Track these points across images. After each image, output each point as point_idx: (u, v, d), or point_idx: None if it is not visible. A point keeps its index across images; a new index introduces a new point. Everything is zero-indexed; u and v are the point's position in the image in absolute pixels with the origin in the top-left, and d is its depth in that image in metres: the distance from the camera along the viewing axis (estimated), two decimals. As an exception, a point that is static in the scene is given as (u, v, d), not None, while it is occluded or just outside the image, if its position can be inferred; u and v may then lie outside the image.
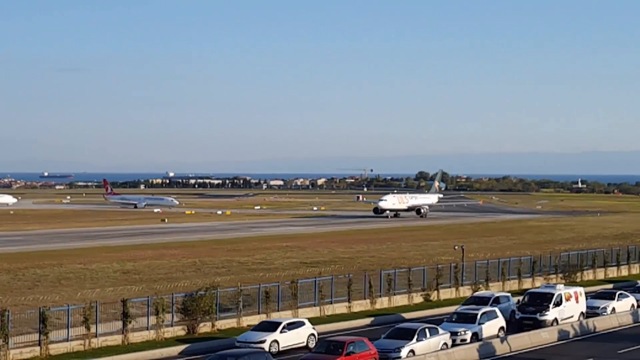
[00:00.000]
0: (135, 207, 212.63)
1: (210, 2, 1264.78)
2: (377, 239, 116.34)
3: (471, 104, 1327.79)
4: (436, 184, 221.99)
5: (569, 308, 51.86)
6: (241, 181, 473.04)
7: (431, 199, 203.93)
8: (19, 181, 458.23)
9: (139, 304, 48.57)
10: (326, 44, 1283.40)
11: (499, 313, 49.17)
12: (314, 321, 52.27)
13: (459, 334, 45.89)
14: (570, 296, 52.36)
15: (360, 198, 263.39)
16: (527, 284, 68.59)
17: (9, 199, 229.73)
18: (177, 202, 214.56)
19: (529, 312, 50.98)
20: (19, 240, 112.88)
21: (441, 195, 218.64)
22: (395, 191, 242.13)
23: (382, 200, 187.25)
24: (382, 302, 58.41)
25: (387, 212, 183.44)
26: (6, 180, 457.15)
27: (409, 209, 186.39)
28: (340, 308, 56.05)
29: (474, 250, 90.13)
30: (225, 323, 50.17)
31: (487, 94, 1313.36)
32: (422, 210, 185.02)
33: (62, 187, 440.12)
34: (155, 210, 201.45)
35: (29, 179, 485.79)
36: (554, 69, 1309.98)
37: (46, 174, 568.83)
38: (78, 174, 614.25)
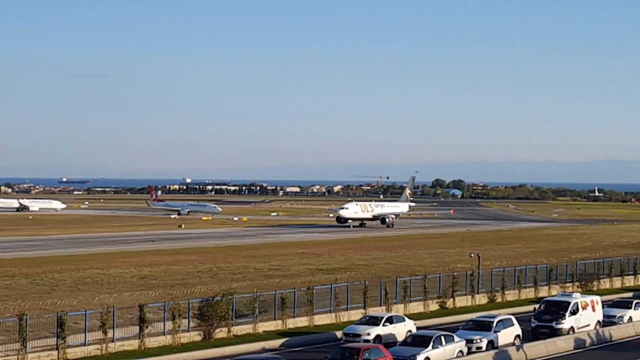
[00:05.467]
0: (179, 213, 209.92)
1: (228, 7, 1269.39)
2: (393, 246, 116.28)
3: (487, 112, 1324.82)
4: (407, 191, 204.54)
5: (585, 317, 51.69)
6: (258, 188, 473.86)
7: (401, 207, 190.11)
8: (37, 186, 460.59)
9: (156, 309, 48.79)
10: (343, 51, 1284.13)
11: (514, 321, 49.12)
12: (329, 328, 52.60)
13: (474, 341, 45.83)
14: (587, 305, 52.20)
15: None
16: (543, 292, 68.43)
17: (57, 205, 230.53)
18: (220, 209, 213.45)
19: (545, 320, 50.85)
20: (37, 245, 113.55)
21: (413, 204, 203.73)
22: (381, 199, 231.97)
23: (342, 208, 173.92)
24: (398, 309, 58.40)
25: (350, 221, 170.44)
26: (25, 185, 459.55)
27: (374, 218, 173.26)
28: (356, 315, 56.03)
29: (490, 258, 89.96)
30: (241, 329, 50.36)
31: (503, 102, 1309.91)
32: (387, 220, 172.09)
33: (80, 192, 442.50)
34: (172, 216, 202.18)
35: (47, 185, 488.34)
36: (570, 77, 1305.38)
37: (64, 179, 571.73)
38: (96, 180, 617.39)
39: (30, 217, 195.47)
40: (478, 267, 69.36)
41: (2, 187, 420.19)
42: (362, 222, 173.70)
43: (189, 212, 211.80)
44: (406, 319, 49.99)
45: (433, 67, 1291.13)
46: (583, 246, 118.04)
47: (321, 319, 53.88)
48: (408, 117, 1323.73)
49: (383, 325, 47.67)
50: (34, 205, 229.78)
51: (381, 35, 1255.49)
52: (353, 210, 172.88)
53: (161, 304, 49.03)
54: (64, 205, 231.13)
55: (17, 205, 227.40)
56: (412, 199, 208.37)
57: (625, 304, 57.14)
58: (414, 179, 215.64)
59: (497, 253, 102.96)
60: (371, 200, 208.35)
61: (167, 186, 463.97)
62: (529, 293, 67.90)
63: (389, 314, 50.06)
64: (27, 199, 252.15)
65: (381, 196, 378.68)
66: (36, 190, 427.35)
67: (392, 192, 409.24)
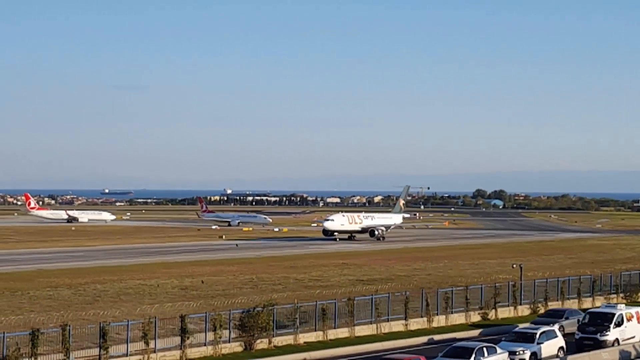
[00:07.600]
0: (229, 224, 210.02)
1: (268, 17, 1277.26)
2: (434, 256, 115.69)
3: (528, 121, 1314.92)
4: (401, 202, 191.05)
5: (630, 328, 50.85)
6: (298, 198, 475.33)
7: (393, 219, 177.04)
8: (80, 198, 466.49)
9: (197, 320, 49.01)
10: (383, 60, 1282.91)
11: (558, 333, 48.52)
12: (370, 339, 52.37)
13: (517, 353, 45.29)
14: (632, 316, 51.36)
15: (417, 216, 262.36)
16: (587, 303, 67.46)
17: (107, 216, 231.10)
18: (270, 220, 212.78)
19: (589, 332, 50.16)
20: (80, 256, 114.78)
21: (407, 215, 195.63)
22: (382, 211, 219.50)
23: (327, 220, 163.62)
24: (439, 320, 58.02)
25: (336, 234, 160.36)
26: (68, 197, 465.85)
27: (363, 231, 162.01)
28: (397, 326, 55.81)
29: (532, 269, 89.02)
30: (282, 340, 50.32)
31: (544, 111, 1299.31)
32: (377, 232, 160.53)
33: (122, 203, 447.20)
34: (213, 226, 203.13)
35: (89, 196, 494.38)
36: (614, 85, 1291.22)
37: (107, 190, 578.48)
38: (138, 191, 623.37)
39: (73, 228, 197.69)
40: (520, 277, 68.71)
41: (46, 199, 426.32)
42: (351, 235, 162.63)
43: (239, 223, 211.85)
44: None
45: (475, 76, 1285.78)
46: (627, 257, 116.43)
47: (362, 330, 53.69)
48: (449, 127, 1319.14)
49: None
50: (84, 216, 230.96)
51: (422, 44, 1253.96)
52: (339, 222, 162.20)
53: (202, 314, 49.18)
54: (113, 217, 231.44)
55: (66, 216, 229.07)
56: (405, 209, 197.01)
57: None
58: (408, 189, 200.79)
59: (540, 264, 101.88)
60: (412, 210, 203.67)
61: (208, 197, 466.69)
62: (572, 304, 66.88)
63: None
64: (75, 210, 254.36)
65: (422, 207, 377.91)
66: (79, 202, 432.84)
67: (432, 202, 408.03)
